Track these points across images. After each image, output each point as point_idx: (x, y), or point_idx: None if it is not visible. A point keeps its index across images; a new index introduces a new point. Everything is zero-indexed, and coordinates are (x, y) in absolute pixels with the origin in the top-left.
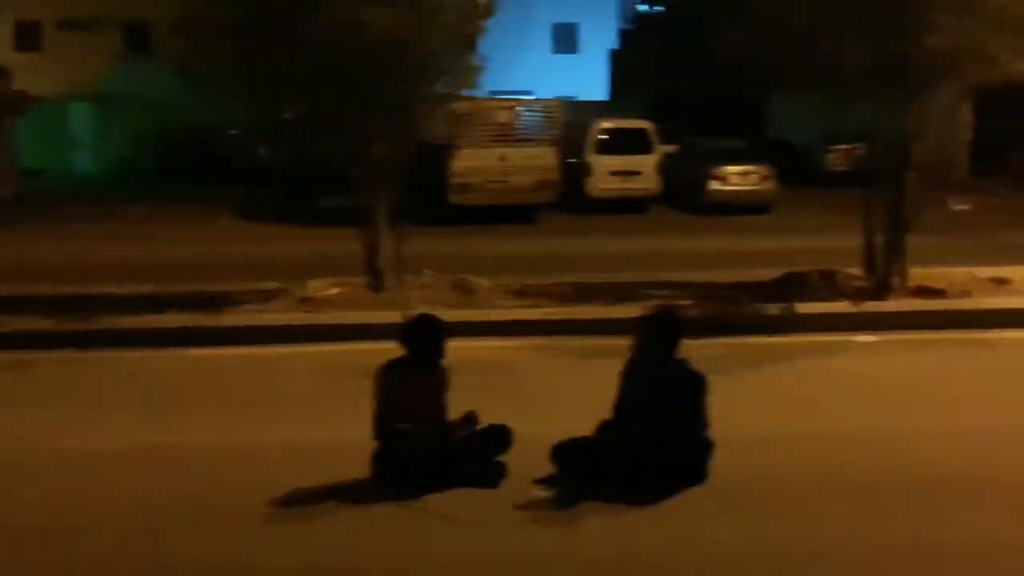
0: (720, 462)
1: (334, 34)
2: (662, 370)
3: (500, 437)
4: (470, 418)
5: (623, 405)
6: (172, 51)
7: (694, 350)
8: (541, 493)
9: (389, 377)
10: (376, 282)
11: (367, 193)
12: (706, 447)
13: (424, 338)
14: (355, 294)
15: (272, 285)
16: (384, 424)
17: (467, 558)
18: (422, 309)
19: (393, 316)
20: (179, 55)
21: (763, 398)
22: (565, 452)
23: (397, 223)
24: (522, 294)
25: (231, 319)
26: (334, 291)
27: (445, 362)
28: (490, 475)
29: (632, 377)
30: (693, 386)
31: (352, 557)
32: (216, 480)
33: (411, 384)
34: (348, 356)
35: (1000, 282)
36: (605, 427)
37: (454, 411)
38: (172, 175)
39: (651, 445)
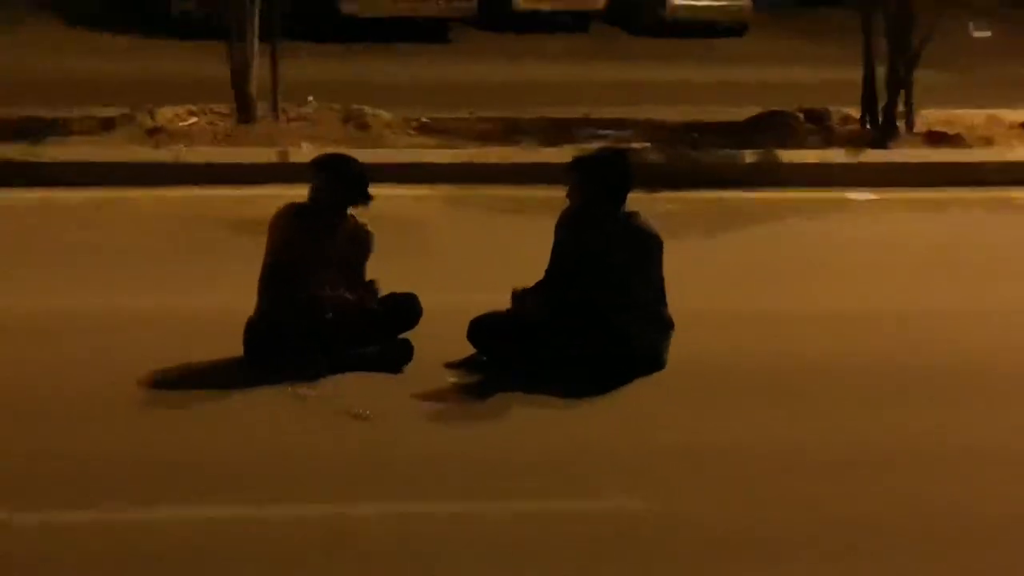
0: (679, 346)
1: None
2: (605, 226)
3: (405, 310)
4: (368, 288)
5: (556, 267)
6: None
7: (646, 205)
8: (454, 380)
9: (293, 226)
10: (245, 112)
11: None
12: (661, 326)
13: (342, 179)
14: (218, 126)
15: (113, 111)
16: (281, 287)
17: (364, 458)
18: (305, 145)
19: (266, 155)
20: None
21: (734, 268)
22: (485, 330)
23: (274, 37)
24: (431, 131)
25: (61, 152)
26: (192, 121)
27: (365, 220)
28: (393, 357)
29: (567, 233)
30: (644, 247)
31: (228, 452)
32: (54, 356)
33: (322, 239)
34: (209, 203)
35: None
36: (523, 295)
37: None
38: None
39: (590, 320)
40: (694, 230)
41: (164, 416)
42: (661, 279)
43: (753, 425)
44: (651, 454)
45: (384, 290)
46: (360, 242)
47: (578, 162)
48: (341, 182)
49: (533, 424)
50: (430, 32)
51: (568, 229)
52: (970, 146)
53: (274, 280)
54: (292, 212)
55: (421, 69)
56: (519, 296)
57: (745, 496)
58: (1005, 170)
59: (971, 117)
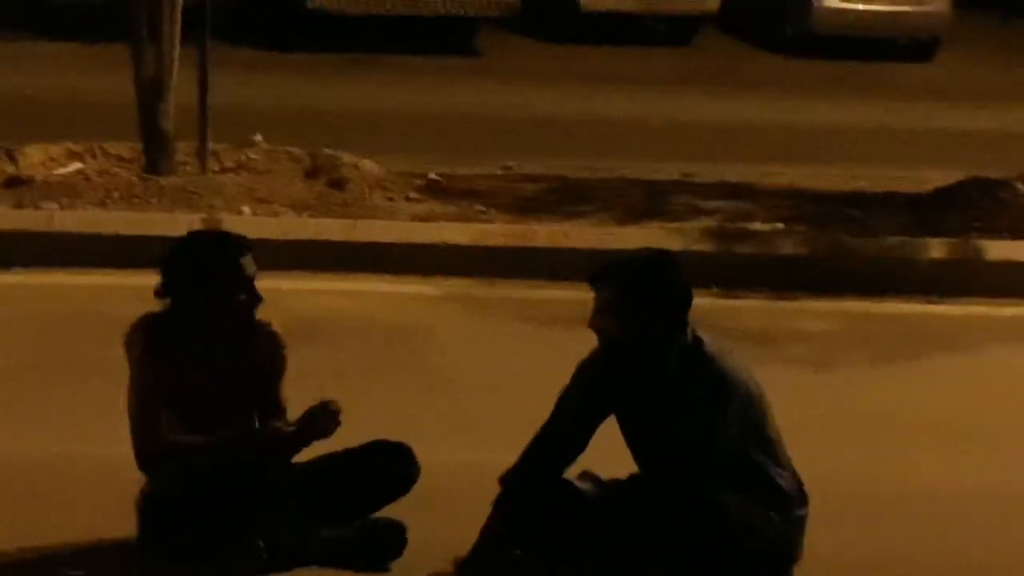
0: (820, 535)
1: None
2: (660, 368)
3: (392, 469)
4: (319, 413)
5: (566, 427)
6: None
7: (779, 320)
8: None
9: (155, 352)
10: (157, 155)
11: None
12: (783, 502)
13: (211, 274)
14: (115, 177)
15: None
16: (156, 442)
17: None
18: (247, 210)
19: (187, 223)
20: None
21: (909, 418)
22: (520, 514)
23: (203, 42)
24: (444, 193)
25: None
26: (74, 168)
27: (270, 325)
28: (374, 546)
29: (596, 384)
30: (725, 392)
31: None
32: None
33: (198, 365)
34: (97, 295)
35: None
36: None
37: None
38: None
39: (672, 501)
40: (851, 360)
41: None
42: (766, 430)
43: None
44: None
45: (366, 434)
46: (266, 358)
47: (606, 272)
48: (215, 281)
49: None
50: (450, 38)
51: (597, 377)
52: None
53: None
54: (147, 333)
55: (431, 96)
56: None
57: None
58: None
59: None
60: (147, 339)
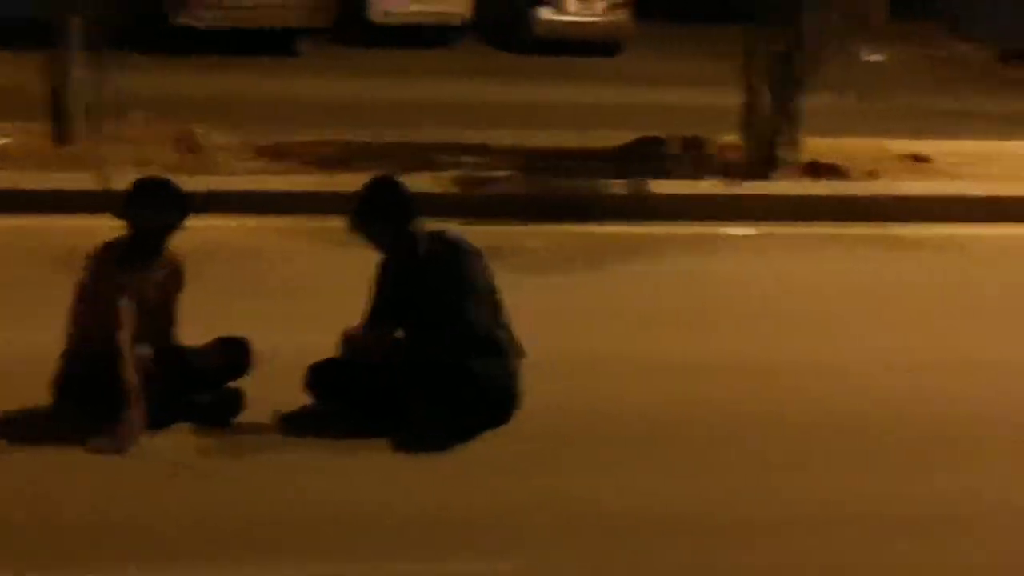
0: (540, 393)
1: None
2: (413, 254)
3: (234, 355)
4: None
5: (378, 313)
6: None
7: (508, 240)
8: (289, 432)
9: (109, 267)
10: (62, 130)
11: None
12: (503, 353)
13: (159, 210)
14: (30, 145)
15: None
16: (87, 335)
17: (183, 519)
18: (130, 170)
19: (83, 180)
20: None
21: (596, 309)
22: (326, 377)
23: (97, 46)
24: (271, 154)
25: None
26: (0, 141)
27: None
28: (220, 407)
29: (386, 276)
30: (456, 260)
31: (30, 512)
32: None
33: (135, 279)
34: (18, 234)
35: (919, 160)
36: (356, 338)
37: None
38: None
39: (427, 361)
40: (559, 267)
41: None
42: (492, 296)
43: (618, 481)
44: (511, 512)
45: (210, 331)
46: (177, 275)
47: (353, 223)
48: (163, 210)
49: (377, 479)
50: (277, 44)
51: (385, 272)
52: (856, 178)
53: (82, 337)
54: (105, 254)
55: (263, 85)
56: (351, 339)
57: (623, 561)
58: (894, 204)
59: (859, 147)
60: (111, 257)
